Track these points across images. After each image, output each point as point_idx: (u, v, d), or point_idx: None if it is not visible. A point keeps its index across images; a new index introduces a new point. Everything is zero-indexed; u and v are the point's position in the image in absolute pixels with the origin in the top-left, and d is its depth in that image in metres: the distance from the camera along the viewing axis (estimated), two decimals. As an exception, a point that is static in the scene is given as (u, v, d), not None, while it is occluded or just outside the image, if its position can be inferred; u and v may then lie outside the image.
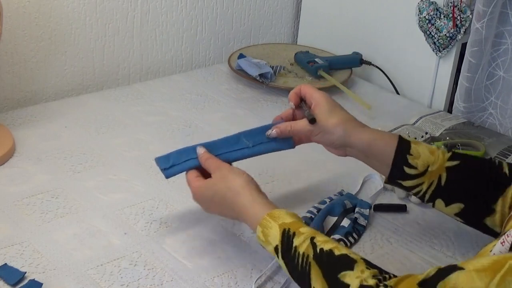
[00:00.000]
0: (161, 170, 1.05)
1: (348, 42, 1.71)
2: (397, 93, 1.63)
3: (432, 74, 1.57)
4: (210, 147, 1.05)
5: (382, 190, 1.22)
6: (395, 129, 1.43)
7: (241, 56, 1.63)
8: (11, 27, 1.37)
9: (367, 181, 1.25)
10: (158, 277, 0.96)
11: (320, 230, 1.06)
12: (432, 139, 1.38)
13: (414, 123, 1.47)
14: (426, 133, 1.41)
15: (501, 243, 0.74)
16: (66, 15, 1.45)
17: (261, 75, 1.54)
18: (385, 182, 1.04)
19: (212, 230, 1.07)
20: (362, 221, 1.11)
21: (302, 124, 1.05)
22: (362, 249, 1.07)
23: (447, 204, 1.00)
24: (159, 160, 1.06)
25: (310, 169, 1.27)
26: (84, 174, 1.19)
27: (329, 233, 1.08)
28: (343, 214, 1.12)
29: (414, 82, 1.62)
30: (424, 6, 1.52)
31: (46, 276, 0.94)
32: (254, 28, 1.80)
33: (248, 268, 1.00)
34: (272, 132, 1.06)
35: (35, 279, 0.93)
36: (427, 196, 1.01)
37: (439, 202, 1.01)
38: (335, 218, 1.11)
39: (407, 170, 0.99)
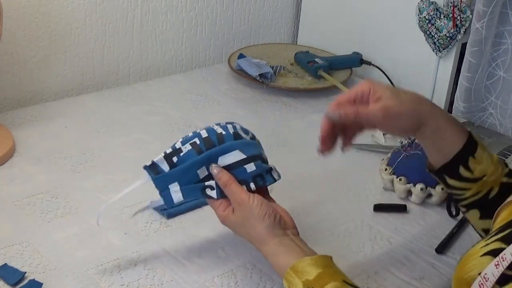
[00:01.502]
0: (160, 211, 1.09)
1: (348, 42, 1.71)
2: (397, 93, 1.63)
3: (432, 74, 1.57)
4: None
5: (382, 190, 1.22)
6: (395, 129, 1.43)
7: (241, 56, 1.63)
8: (11, 27, 1.37)
9: (364, 180, 1.25)
10: (158, 277, 0.96)
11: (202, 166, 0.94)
12: (432, 139, 1.38)
13: (414, 123, 1.47)
14: (426, 133, 1.41)
15: (495, 265, 0.71)
16: (66, 15, 1.45)
17: (261, 75, 1.54)
18: (429, 169, 0.95)
19: (212, 230, 1.07)
20: (276, 174, 0.97)
21: (371, 110, 0.89)
22: (362, 249, 1.07)
23: (482, 217, 0.93)
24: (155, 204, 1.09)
25: (308, 167, 1.27)
26: (84, 174, 1.19)
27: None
28: (252, 159, 0.95)
29: (414, 82, 1.61)
30: (424, 6, 1.52)
31: (46, 276, 0.94)
32: (254, 28, 1.80)
33: (248, 268, 1.00)
34: (335, 113, 0.90)
35: (35, 279, 0.92)
36: (465, 202, 0.93)
37: (475, 213, 0.93)
38: (236, 157, 0.95)
39: (462, 171, 0.90)
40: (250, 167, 0.95)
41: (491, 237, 0.76)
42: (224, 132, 0.96)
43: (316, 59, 1.63)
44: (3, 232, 1.02)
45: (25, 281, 0.92)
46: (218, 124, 0.97)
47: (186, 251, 1.02)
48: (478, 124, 1.50)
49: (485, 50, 1.44)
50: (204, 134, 0.96)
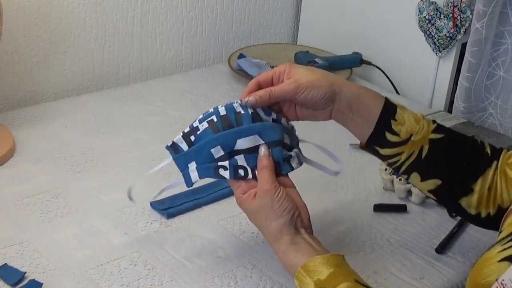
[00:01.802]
0: (160, 210, 1.09)
1: (348, 42, 1.71)
2: (397, 93, 1.63)
3: (432, 74, 1.57)
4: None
5: (382, 190, 1.22)
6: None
7: (241, 56, 1.63)
8: (11, 27, 1.37)
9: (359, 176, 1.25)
10: (158, 277, 0.96)
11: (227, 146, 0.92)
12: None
13: (414, 123, 1.47)
14: (426, 133, 1.41)
15: None
16: (66, 15, 1.45)
17: (261, 75, 1.54)
18: (361, 147, 0.97)
19: (212, 230, 1.07)
20: (296, 162, 0.95)
21: (283, 85, 0.93)
22: (362, 249, 1.07)
23: (423, 179, 0.95)
24: (155, 204, 1.10)
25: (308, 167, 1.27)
26: (84, 174, 1.19)
27: (234, 153, 0.93)
28: (271, 145, 0.93)
29: (414, 82, 1.62)
30: (424, 6, 1.52)
31: (46, 276, 0.94)
32: (254, 28, 1.80)
33: (248, 268, 1.00)
34: (249, 98, 0.93)
35: (35, 279, 0.92)
36: (403, 168, 0.95)
37: (415, 176, 0.95)
38: (253, 142, 0.92)
39: (389, 136, 0.92)
40: None
41: (508, 242, 0.76)
42: (243, 112, 0.94)
43: (316, 59, 1.63)
44: (3, 232, 1.02)
45: (25, 281, 0.92)
46: (239, 102, 0.95)
47: (186, 251, 1.02)
48: (478, 124, 1.50)
49: (485, 50, 1.44)
50: (222, 111, 0.94)
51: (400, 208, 1.17)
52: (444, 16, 1.50)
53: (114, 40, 1.54)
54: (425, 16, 1.52)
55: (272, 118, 0.96)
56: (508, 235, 0.78)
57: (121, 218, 1.08)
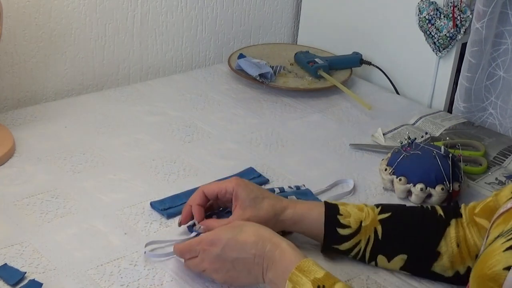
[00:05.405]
0: (160, 210, 1.10)
1: (348, 42, 1.71)
2: (397, 93, 1.63)
3: (432, 74, 1.57)
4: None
5: (382, 190, 1.22)
6: (395, 129, 1.43)
7: (241, 56, 1.63)
8: (11, 27, 1.37)
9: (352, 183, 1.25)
10: (158, 277, 0.96)
11: None
12: (432, 139, 1.38)
13: (414, 123, 1.47)
14: (426, 133, 1.41)
15: None
16: (66, 15, 1.45)
17: (261, 75, 1.54)
18: (322, 251, 1.01)
19: (212, 230, 1.07)
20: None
21: (229, 220, 0.99)
22: (362, 249, 1.06)
23: (389, 258, 0.99)
24: (155, 204, 1.11)
25: (308, 167, 1.27)
26: (84, 174, 1.19)
27: None
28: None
29: (414, 82, 1.62)
30: (424, 6, 1.52)
31: (46, 276, 0.94)
32: (254, 28, 1.80)
33: (248, 268, 1.00)
34: (201, 228, 1.01)
35: (35, 279, 0.93)
36: (367, 255, 0.99)
37: (381, 259, 0.99)
38: None
39: (341, 231, 0.98)
40: None
41: (511, 233, 0.76)
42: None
43: (316, 59, 1.63)
44: (3, 232, 1.02)
45: (25, 281, 0.92)
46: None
47: (186, 251, 1.02)
48: (478, 124, 1.50)
49: (485, 50, 1.44)
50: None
51: (400, 208, 1.17)
52: (444, 16, 1.50)
53: (114, 40, 1.54)
54: (425, 16, 1.52)
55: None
56: (510, 229, 0.78)
57: (121, 218, 1.08)
